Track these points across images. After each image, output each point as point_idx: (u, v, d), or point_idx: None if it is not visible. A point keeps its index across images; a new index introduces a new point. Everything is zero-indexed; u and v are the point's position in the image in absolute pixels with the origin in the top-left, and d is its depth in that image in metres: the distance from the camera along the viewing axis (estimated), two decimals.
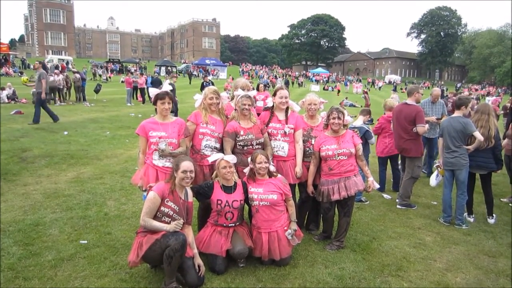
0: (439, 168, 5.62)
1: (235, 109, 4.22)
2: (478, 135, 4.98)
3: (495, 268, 4.01)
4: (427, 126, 5.86)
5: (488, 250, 4.45)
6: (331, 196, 4.15)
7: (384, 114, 7.00)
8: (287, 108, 4.35)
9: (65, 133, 10.46)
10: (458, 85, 61.14)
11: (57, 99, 18.62)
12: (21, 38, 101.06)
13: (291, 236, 3.75)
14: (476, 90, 50.73)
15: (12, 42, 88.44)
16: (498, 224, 5.32)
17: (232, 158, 3.66)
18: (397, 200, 6.02)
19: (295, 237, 3.80)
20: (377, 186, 4.77)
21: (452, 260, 4.16)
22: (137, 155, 4.20)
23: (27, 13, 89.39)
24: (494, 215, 5.46)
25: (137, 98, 21.39)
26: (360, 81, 55.60)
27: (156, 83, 17.76)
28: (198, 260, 3.39)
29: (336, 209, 4.39)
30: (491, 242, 4.67)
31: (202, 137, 4.00)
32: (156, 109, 3.87)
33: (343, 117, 4.19)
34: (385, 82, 55.67)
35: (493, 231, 5.01)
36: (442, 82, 67.05)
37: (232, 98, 4.61)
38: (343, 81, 58.54)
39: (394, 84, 55.44)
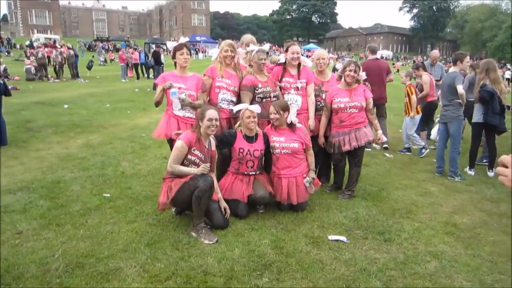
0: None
1: (250, 65, 4.30)
2: (459, 88, 5.18)
3: (497, 211, 4.27)
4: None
5: (490, 197, 4.72)
6: (342, 147, 4.32)
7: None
8: (299, 64, 4.46)
9: (66, 106, 10.47)
10: (449, 59, 61.20)
11: (50, 76, 18.45)
12: (4, 17, 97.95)
13: (309, 183, 3.93)
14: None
15: None
16: (497, 176, 5.57)
17: (256, 108, 3.75)
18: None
19: (312, 185, 3.98)
20: (385, 139, 4.96)
21: (458, 205, 4.41)
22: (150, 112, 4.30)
23: None
24: (494, 169, 5.71)
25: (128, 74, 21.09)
26: (352, 57, 55.25)
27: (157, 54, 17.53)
28: (223, 203, 3.56)
29: (347, 160, 4.58)
30: (492, 191, 4.92)
31: (218, 90, 4.10)
32: (175, 63, 3.96)
33: (359, 71, 4.32)
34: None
35: (493, 182, 5.24)
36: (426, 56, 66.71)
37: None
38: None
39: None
